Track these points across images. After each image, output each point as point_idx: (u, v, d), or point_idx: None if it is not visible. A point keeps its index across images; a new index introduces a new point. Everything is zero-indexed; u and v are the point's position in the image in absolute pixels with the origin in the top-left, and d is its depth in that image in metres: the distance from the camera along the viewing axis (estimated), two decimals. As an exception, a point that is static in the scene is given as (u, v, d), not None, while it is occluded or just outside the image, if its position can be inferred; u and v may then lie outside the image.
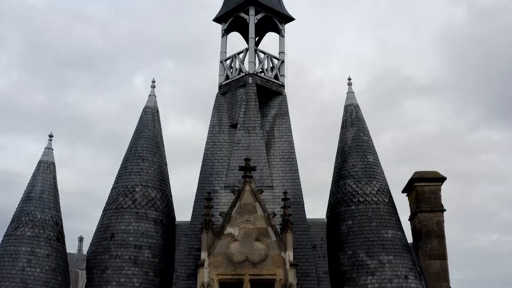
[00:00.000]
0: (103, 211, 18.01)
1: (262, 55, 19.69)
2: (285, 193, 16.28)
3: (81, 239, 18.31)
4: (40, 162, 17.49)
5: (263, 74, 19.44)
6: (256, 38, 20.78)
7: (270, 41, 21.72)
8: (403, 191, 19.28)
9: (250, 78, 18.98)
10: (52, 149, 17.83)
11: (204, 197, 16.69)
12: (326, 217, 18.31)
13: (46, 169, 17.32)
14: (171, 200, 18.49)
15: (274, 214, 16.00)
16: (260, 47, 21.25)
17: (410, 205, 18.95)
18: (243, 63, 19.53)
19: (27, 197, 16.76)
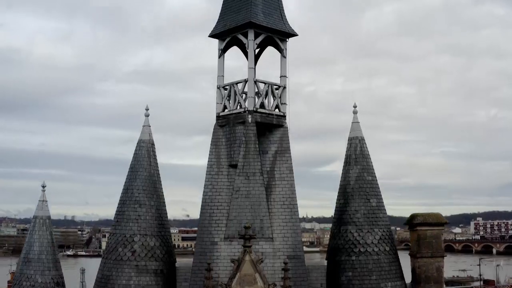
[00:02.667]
0: (102, 258, 17.99)
1: (262, 85, 18.46)
2: (285, 263, 16.11)
3: (82, 271, 18.54)
4: (35, 217, 17.19)
5: (263, 107, 18.32)
6: (257, 51, 19.43)
7: (271, 51, 20.25)
8: (405, 224, 19.10)
9: (249, 116, 17.95)
10: (46, 201, 17.43)
11: (204, 250, 16.68)
12: (326, 259, 18.32)
13: (42, 225, 17.06)
14: (171, 243, 18.39)
15: (275, 285, 15.94)
16: (260, 60, 20.03)
17: (411, 241, 18.89)
18: (241, 96, 18.36)
19: (26, 259, 16.69)
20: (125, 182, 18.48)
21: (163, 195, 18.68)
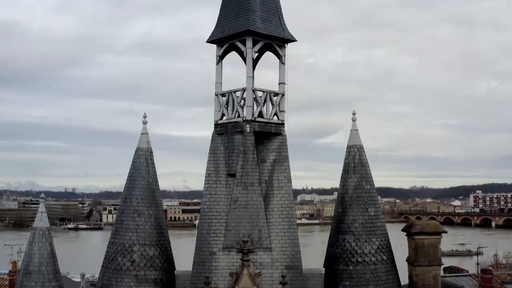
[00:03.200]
0: (102, 266, 18.14)
1: (260, 93, 18.35)
2: (283, 276, 16.25)
3: (83, 276, 18.74)
4: (34, 228, 17.26)
5: (261, 116, 18.24)
6: (255, 56, 19.25)
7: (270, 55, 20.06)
8: (402, 230, 19.18)
9: (247, 126, 17.87)
10: (45, 212, 17.47)
11: (203, 260, 16.90)
12: (324, 267, 18.44)
13: (41, 237, 17.15)
14: (170, 252, 18.46)
15: (272, 298, 16.13)
16: (259, 65, 19.90)
17: (409, 247, 18.95)
18: (239, 105, 18.25)
19: (26, 270, 16.82)
20: (124, 191, 18.53)
21: (162, 204, 18.77)
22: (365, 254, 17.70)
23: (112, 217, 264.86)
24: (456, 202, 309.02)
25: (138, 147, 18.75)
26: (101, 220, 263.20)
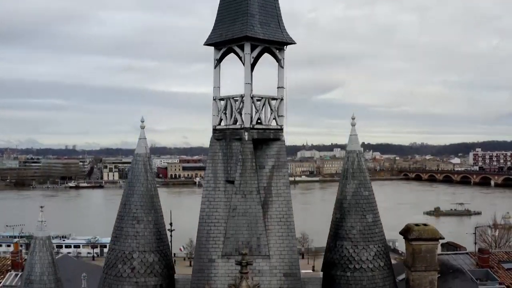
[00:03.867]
0: (103, 272, 18.34)
1: (259, 98, 18.17)
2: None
3: (84, 277, 19.00)
4: (35, 238, 17.38)
5: (260, 123, 18.11)
6: (253, 57, 18.96)
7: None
8: (400, 233, 19.33)
9: (246, 134, 17.76)
10: (45, 221, 17.55)
11: (202, 267, 17.10)
12: (322, 271, 18.65)
13: (42, 246, 17.30)
14: (170, 257, 18.66)
15: (271, 308, 16.37)
16: (258, 65, 19.64)
17: (406, 251, 19.17)
18: (238, 111, 18.09)
19: (28, 280, 17.02)
20: (123, 196, 18.56)
21: (161, 209, 18.80)
22: (362, 261, 17.87)
23: (113, 175, 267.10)
24: (456, 160, 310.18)
25: (136, 153, 18.69)
26: (102, 178, 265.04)
